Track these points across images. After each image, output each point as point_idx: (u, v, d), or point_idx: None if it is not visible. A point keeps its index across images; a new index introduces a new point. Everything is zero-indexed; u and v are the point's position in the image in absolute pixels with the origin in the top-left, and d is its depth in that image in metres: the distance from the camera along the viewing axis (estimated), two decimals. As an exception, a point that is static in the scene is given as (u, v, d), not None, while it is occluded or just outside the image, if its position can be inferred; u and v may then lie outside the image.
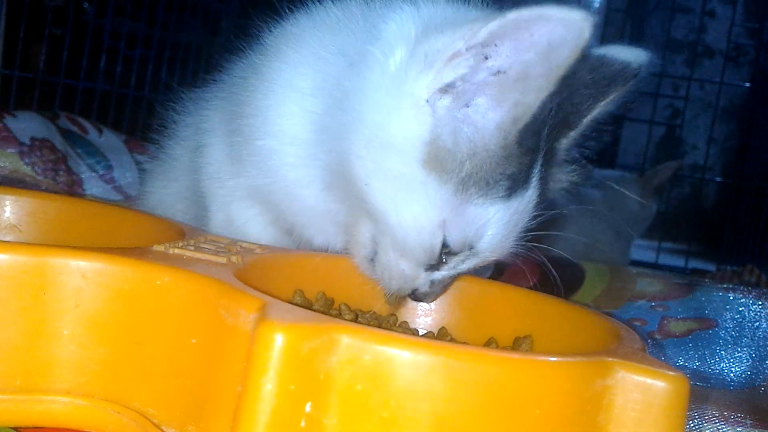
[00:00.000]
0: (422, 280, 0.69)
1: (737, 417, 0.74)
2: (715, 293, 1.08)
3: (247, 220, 0.82)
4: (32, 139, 1.46)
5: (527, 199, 0.67)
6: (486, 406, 0.45)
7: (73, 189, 1.47)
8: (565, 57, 0.57)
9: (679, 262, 2.46)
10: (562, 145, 0.74)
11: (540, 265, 1.20)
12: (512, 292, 0.75)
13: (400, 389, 0.44)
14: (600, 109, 0.72)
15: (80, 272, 0.52)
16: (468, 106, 0.62)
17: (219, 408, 0.47)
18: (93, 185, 1.52)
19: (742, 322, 0.98)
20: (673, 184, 2.58)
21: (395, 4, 0.71)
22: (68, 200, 0.90)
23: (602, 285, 1.18)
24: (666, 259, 2.39)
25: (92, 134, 1.65)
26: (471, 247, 0.67)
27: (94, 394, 0.53)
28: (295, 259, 0.73)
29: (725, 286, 1.16)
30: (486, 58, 0.60)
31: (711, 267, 2.45)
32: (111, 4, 1.94)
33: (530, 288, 0.78)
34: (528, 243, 0.70)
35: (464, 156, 0.63)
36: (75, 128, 1.62)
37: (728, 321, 0.99)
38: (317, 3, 0.77)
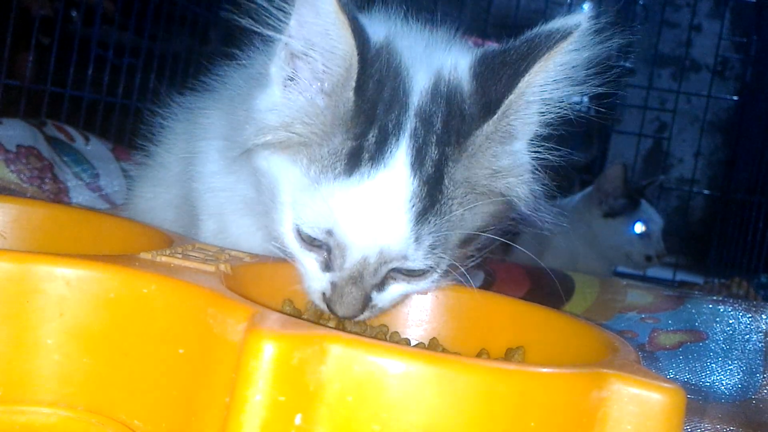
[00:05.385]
0: (324, 282, 0.67)
1: (730, 430, 0.73)
2: (704, 305, 1.07)
3: (242, 232, 0.80)
4: (18, 146, 1.45)
5: (385, 179, 0.62)
6: (480, 418, 0.44)
7: (59, 197, 1.45)
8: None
9: (666, 274, 2.47)
10: (483, 133, 0.64)
11: (530, 275, 1.20)
12: (504, 303, 0.74)
13: (392, 401, 0.43)
14: (527, 81, 0.62)
15: (65, 280, 0.51)
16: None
17: (207, 420, 0.46)
18: (79, 193, 1.50)
19: (732, 334, 0.98)
20: (660, 197, 2.59)
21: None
22: (53, 207, 0.88)
23: (592, 297, 1.17)
24: (653, 272, 2.40)
25: (79, 142, 1.63)
26: (329, 232, 0.63)
27: (79, 405, 0.52)
28: (285, 268, 0.72)
29: (715, 298, 1.15)
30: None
31: (698, 279, 2.46)
32: (99, 14, 1.92)
33: (522, 298, 0.77)
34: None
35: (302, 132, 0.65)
36: (62, 136, 1.60)
37: (718, 333, 0.99)
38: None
